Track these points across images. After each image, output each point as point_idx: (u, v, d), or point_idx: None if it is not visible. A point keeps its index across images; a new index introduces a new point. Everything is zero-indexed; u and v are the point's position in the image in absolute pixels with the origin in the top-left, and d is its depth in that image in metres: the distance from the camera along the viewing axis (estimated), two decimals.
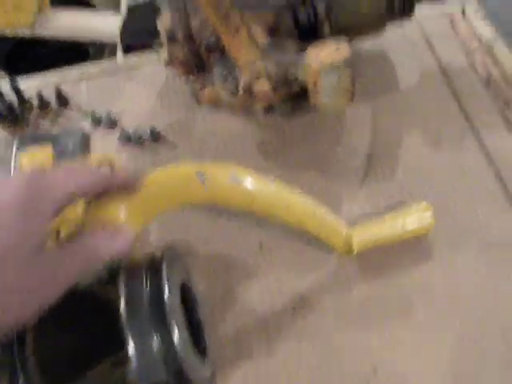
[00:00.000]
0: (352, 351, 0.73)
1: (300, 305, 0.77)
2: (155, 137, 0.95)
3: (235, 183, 0.73)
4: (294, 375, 0.72)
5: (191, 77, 0.89)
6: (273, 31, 0.85)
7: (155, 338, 0.57)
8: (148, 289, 0.60)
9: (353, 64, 0.80)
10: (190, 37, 0.86)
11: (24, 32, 2.11)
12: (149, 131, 0.95)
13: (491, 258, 0.79)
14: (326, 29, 0.85)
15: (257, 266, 0.82)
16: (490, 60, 1.02)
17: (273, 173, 0.87)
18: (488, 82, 0.99)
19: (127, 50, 1.91)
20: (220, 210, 0.86)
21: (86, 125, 0.99)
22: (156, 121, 0.97)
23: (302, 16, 0.84)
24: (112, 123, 0.98)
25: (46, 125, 1.01)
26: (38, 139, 0.97)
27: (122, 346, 0.56)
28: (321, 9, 0.83)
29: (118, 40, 1.94)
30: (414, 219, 0.80)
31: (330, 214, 0.77)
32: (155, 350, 0.57)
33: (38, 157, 0.78)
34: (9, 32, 2.07)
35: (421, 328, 0.74)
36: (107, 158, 0.80)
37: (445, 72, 1.00)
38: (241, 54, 0.77)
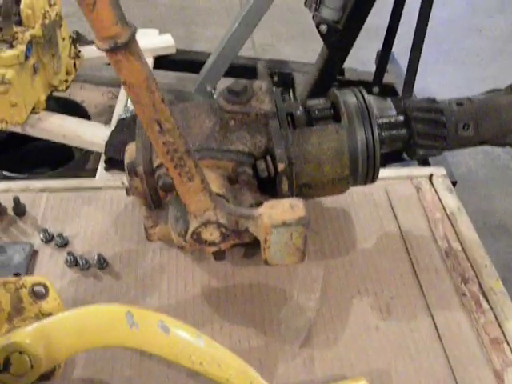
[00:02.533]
0: None
1: None
2: (101, 264, 0.93)
3: (163, 332, 0.70)
4: None
5: (144, 214, 0.87)
6: (231, 180, 0.85)
7: None
8: None
9: (307, 223, 0.79)
10: (150, 173, 0.86)
11: (15, 129, 2.14)
12: (96, 257, 0.93)
13: None
14: (285, 184, 0.85)
15: None
16: (452, 232, 1.01)
17: (213, 324, 0.85)
18: (447, 254, 0.98)
19: (109, 161, 1.94)
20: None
21: (37, 240, 0.97)
22: (106, 248, 0.96)
23: (262, 168, 0.84)
24: (62, 244, 0.96)
25: None
26: None
27: None
28: (281, 165, 0.83)
29: (102, 151, 1.96)
30: None
31: (259, 378, 0.73)
32: None
33: None
34: (0, 127, 2.10)
35: None
36: (42, 282, 0.78)
37: (405, 239, 0.99)
38: (192, 201, 0.77)
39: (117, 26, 0.58)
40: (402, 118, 0.95)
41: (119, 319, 0.69)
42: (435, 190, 1.08)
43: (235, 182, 0.86)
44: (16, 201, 1.00)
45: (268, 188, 0.87)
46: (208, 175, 0.79)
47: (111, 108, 2.50)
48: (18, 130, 2.15)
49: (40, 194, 1.05)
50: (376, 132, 0.89)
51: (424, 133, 0.93)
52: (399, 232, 1.01)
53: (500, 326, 0.88)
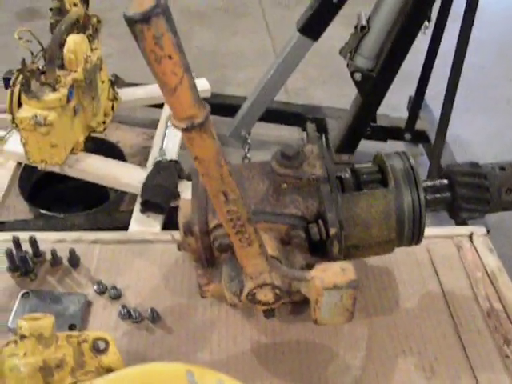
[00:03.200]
0: None
1: None
2: (154, 318, 0.96)
3: None
4: None
5: (198, 271, 0.91)
6: (284, 241, 0.89)
7: None
8: None
9: (357, 286, 0.82)
10: (205, 233, 0.89)
11: (53, 168, 2.19)
12: (149, 311, 0.96)
13: None
14: (336, 248, 0.88)
15: None
16: (494, 292, 1.03)
17: (262, 381, 0.87)
18: (489, 315, 1.00)
19: (145, 204, 1.98)
20: None
21: (91, 292, 1.01)
22: (158, 301, 0.99)
23: (314, 232, 0.87)
24: (116, 296, 1.00)
25: (52, 281, 1.03)
26: (42, 295, 0.99)
27: None
28: (332, 229, 0.87)
29: (139, 193, 2.01)
30: None
31: None
32: None
33: (37, 325, 0.79)
34: (40, 167, 2.16)
35: None
36: (103, 337, 0.81)
37: (447, 298, 1.02)
38: (249, 264, 0.80)
39: (194, 108, 0.62)
40: (445, 181, 0.98)
41: (181, 378, 0.72)
42: (476, 250, 1.10)
43: (287, 244, 0.89)
44: (71, 252, 1.04)
45: (318, 250, 0.90)
46: (263, 237, 0.83)
47: (146, 149, 2.56)
48: (56, 169, 2.21)
49: (93, 245, 1.09)
50: (422, 196, 0.93)
51: (468, 197, 0.96)
52: (441, 291, 1.03)
53: None
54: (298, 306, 0.97)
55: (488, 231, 2.02)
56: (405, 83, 2.47)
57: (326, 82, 2.98)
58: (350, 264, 0.84)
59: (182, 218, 0.94)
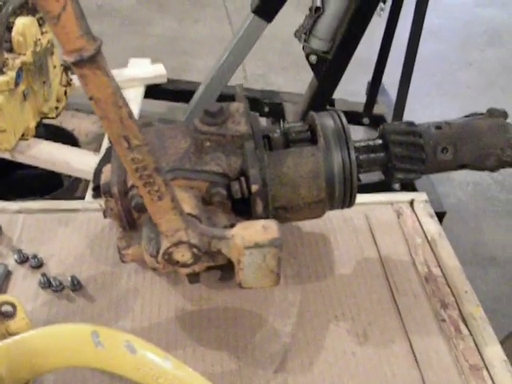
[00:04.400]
0: None
1: None
2: (75, 286, 0.91)
3: (129, 352, 0.68)
4: None
5: (118, 235, 0.86)
6: (205, 201, 0.85)
7: None
8: None
9: (281, 245, 0.78)
10: (124, 193, 0.85)
11: (3, 155, 2.13)
12: (70, 279, 0.91)
13: None
14: (260, 206, 0.84)
15: None
16: (433, 257, 1.00)
17: (186, 348, 0.83)
18: (427, 279, 0.97)
19: (97, 189, 1.93)
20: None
21: (11, 261, 0.96)
22: (81, 270, 0.95)
23: (235, 189, 0.83)
24: (37, 265, 0.95)
25: None
26: None
27: None
28: (254, 186, 0.82)
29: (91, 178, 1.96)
30: None
31: None
32: None
33: None
34: None
35: None
36: (10, 301, 0.77)
37: (384, 264, 0.98)
38: (163, 221, 0.75)
39: (82, 40, 0.58)
40: (380, 141, 0.94)
41: (85, 339, 0.68)
42: (416, 216, 1.07)
43: (209, 204, 0.85)
44: None
45: (242, 210, 0.86)
46: (181, 195, 0.79)
47: (101, 136, 2.51)
48: (6, 156, 2.15)
49: (16, 215, 1.04)
50: (353, 155, 0.89)
51: (402, 156, 0.92)
52: (378, 257, 1.00)
53: (479, 353, 0.87)
54: (227, 272, 0.93)
55: (443, 213, 2.01)
56: (364, 70, 2.45)
57: (285, 69, 2.94)
58: (273, 222, 0.80)
59: (102, 181, 0.89)
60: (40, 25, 2.13)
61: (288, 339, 0.87)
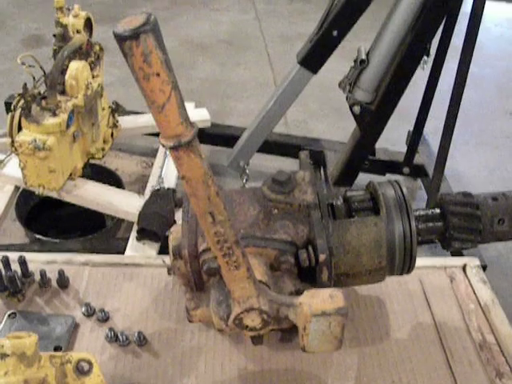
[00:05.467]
0: None
1: None
2: (141, 342, 0.95)
3: None
4: None
5: (186, 295, 0.90)
6: (273, 267, 0.88)
7: None
8: None
9: (346, 314, 0.81)
10: (194, 256, 0.89)
11: (51, 193, 2.19)
12: (136, 335, 0.95)
13: None
14: (325, 274, 0.87)
15: None
16: (486, 324, 1.02)
17: None
18: (481, 347, 0.98)
19: (141, 231, 1.98)
20: None
21: (78, 314, 1.00)
22: (146, 325, 0.98)
23: (303, 257, 0.86)
24: (103, 319, 0.99)
25: (40, 303, 1.02)
26: (29, 316, 0.98)
27: None
28: (322, 256, 0.86)
29: (135, 221, 2.01)
30: None
31: None
32: None
33: (21, 342, 0.77)
34: (37, 191, 2.16)
35: None
36: (87, 358, 0.80)
37: (439, 330, 1.00)
38: (237, 288, 0.79)
39: (181, 126, 0.62)
40: (438, 211, 0.97)
41: None
42: (469, 281, 1.09)
43: (276, 270, 0.88)
44: (61, 273, 1.04)
45: (308, 276, 0.90)
46: (252, 262, 0.82)
47: (144, 177, 2.57)
48: (53, 195, 2.21)
49: (83, 267, 1.08)
50: (413, 224, 0.92)
51: (460, 226, 0.95)
52: (433, 322, 1.02)
53: None
54: (288, 333, 0.96)
55: (485, 267, 2.01)
56: (404, 119, 2.49)
57: (326, 116, 2.99)
58: (339, 291, 0.83)
59: (172, 242, 0.93)
60: (91, 68, 2.21)
61: None
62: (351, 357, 0.95)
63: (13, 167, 2.17)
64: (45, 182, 2.14)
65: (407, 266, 0.94)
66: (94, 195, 2.21)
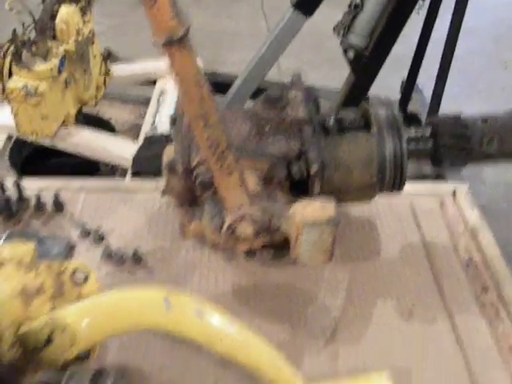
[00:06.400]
0: None
1: None
2: (137, 259, 0.97)
3: (197, 317, 0.73)
4: None
5: (180, 210, 0.92)
6: (266, 180, 0.90)
7: None
8: None
9: (337, 224, 0.83)
10: (188, 171, 0.90)
11: (44, 141, 2.20)
12: (131, 252, 0.97)
13: None
14: (317, 187, 0.89)
15: None
16: (474, 244, 1.04)
17: (242, 318, 0.87)
18: (468, 265, 1.01)
19: (136, 176, 1.99)
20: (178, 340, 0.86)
21: (74, 235, 1.02)
22: (140, 244, 1.00)
23: (295, 170, 0.88)
24: (99, 238, 1.00)
25: (37, 225, 1.04)
26: (25, 236, 0.99)
27: None
28: (314, 166, 0.87)
29: (130, 166, 2.02)
30: None
31: (288, 365, 0.76)
32: None
33: (19, 250, 0.79)
34: (30, 139, 2.16)
35: None
36: (83, 267, 0.82)
37: (427, 249, 1.02)
38: (229, 196, 0.81)
39: (173, 21, 0.63)
40: (428, 131, 0.99)
41: (157, 303, 0.73)
42: (458, 206, 1.11)
43: (269, 184, 0.90)
44: (56, 196, 1.05)
45: (299, 191, 0.91)
46: (245, 174, 0.84)
47: (138, 126, 2.56)
48: (47, 142, 2.21)
49: (77, 192, 1.10)
50: (404, 143, 0.93)
51: (450, 146, 0.97)
52: (422, 243, 1.04)
53: None
54: (279, 251, 0.98)
55: None
56: (398, 66, 2.49)
57: (320, 65, 2.99)
58: (330, 202, 0.84)
59: (165, 159, 0.95)
60: (82, 14, 2.19)
61: (338, 313, 0.91)
62: (342, 273, 0.97)
63: (4, 116, 2.16)
64: (38, 129, 2.14)
65: (397, 184, 0.96)
66: (87, 141, 2.22)
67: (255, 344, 0.75)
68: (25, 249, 0.79)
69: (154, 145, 2.13)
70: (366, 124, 0.96)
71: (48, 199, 1.06)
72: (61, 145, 2.23)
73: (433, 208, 1.11)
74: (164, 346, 0.85)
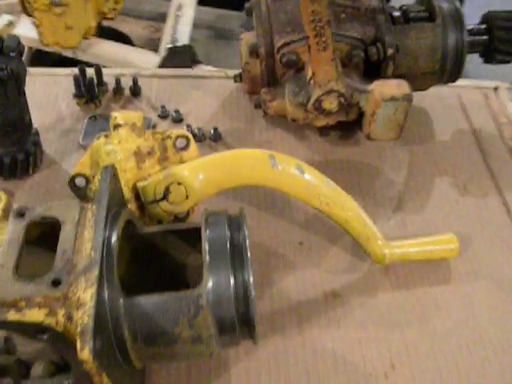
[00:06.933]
0: (374, 346, 0.81)
1: (331, 298, 0.86)
2: (217, 137, 1.05)
3: (299, 173, 0.83)
4: (319, 355, 0.80)
5: (263, 89, 1.00)
6: (343, 63, 0.98)
7: (232, 278, 0.64)
8: (229, 236, 0.68)
9: (411, 101, 0.92)
10: (270, 54, 0.98)
11: (66, 52, 2.23)
12: (212, 130, 1.05)
13: (502, 291, 0.88)
14: (390, 69, 0.97)
15: (295, 260, 0.90)
16: None
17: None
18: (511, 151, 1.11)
19: None
20: (267, 204, 0.95)
21: (153, 117, 1.09)
22: (217, 124, 1.08)
23: (374, 51, 0.96)
24: (178, 119, 1.08)
25: (115, 109, 1.11)
26: (108, 118, 1.07)
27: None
28: (390, 50, 0.96)
29: None
30: (441, 245, 0.89)
31: (372, 223, 0.87)
32: (231, 288, 0.64)
33: (130, 116, 0.86)
34: (53, 49, 2.19)
35: (435, 336, 0.83)
36: (185, 135, 0.89)
37: (476, 136, 1.12)
38: (320, 71, 0.89)
39: None
40: (484, 25, 1.07)
41: (264, 160, 0.82)
42: (501, 100, 1.21)
43: (347, 66, 0.98)
44: (134, 81, 1.12)
45: (372, 73, 1.00)
46: None
47: (153, 41, 2.59)
48: (69, 54, 2.24)
49: (150, 79, 1.17)
50: (466, 34, 1.02)
51: (504, 39, 1.05)
52: (470, 130, 1.14)
53: None
54: (346, 131, 1.07)
55: None
56: None
57: None
58: (404, 81, 0.94)
59: (245, 45, 1.02)
60: None
61: (401, 187, 1.02)
62: (403, 153, 1.07)
63: (23, 28, 2.18)
64: (61, 40, 2.17)
65: (455, 74, 1.05)
66: (110, 53, 2.25)
67: (347, 201, 0.85)
68: (135, 116, 0.87)
69: (177, 55, 2.17)
70: (429, 16, 1.04)
71: (125, 85, 1.13)
72: (83, 57, 2.26)
73: (479, 100, 1.20)
74: (252, 209, 0.95)
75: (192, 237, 0.73)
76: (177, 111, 1.08)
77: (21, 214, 0.67)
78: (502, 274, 0.90)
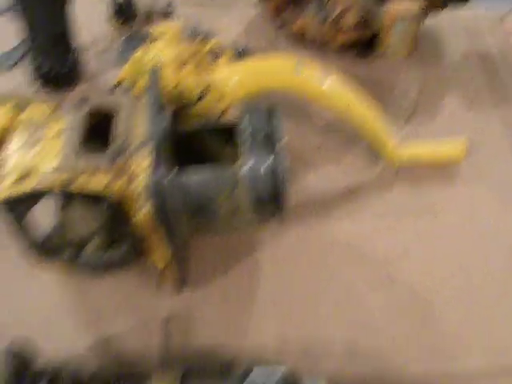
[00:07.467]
0: (384, 236, 0.91)
1: (346, 194, 0.96)
2: (246, 52, 1.12)
3: (322, 82, 0.92)
4: (328, 247, 0.90)
5: (288, 9, 1.08)
6: None
7: (268, 160, 0.73)
8: (266, 122, 0.76)
9: (423, 18, 1.01)
10: None
11: None
12: (242, 48, 1.13)
13: (503, 192, 0.98)
14: None
15: (313, 160, 1.00)
16: None
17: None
18: None
19: None
20: (289, 112, 1.04)
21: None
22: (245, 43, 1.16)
23: None
24: (208, 39, 1.16)
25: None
26: (143, 37, 1.15)
27: None
28: None
29: None
30: (450, 147, 0.99)
31: (387, 127, 0.96)
32: (266, 165, 0.73)
33: (170, 26, 0.94)
34: None
35: (440, 230, 0.93)
36: (219, 44, 0.97)
37: (484, 57, 1.20)
38: None
39: None
40: None
41: (290, 67, 0.91)
42: None
43: None
44: (168, 3, 1.20)
45: None
46: None
47: None
48: None
49: (179, 6, 1.25)
50: None
51: None
52: (480, 51, 1.22)
53: None
54: (363, 50, 1.14)
55: None
56: None
57: None
58: (415, 3, 1.02)
59: None
60: None
61: (413, 103, 1.10)
62: (416, 72, 1.13)
63: None
64: None
65: None
66: None
67: (364, 105, 0.94)
68: (175, 26, 0.95)
69: None
70: None
71: (157, 9, 1.21)
72: None
73: (493, 22, 1.28)
74: None
75: (226, 134, 0.82)
76: (207, 31, 1.16)
77: (83, 102, 0.76)
78: (503, 178, 1.00)
